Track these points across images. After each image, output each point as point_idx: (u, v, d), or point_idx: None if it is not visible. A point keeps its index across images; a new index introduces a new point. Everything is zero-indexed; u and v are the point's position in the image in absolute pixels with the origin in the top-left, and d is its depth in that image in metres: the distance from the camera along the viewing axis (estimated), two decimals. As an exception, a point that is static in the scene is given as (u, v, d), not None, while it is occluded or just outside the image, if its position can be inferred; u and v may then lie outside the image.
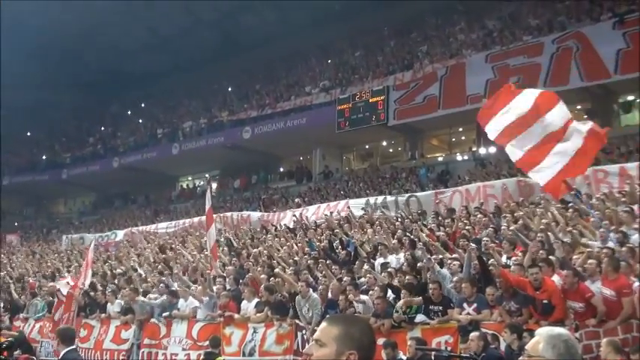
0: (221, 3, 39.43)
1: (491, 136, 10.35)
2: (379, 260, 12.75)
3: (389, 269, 11.80)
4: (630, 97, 23.98)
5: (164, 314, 13.18)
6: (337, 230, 16.18)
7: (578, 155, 9.48)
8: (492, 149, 25.43)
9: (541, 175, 9.96)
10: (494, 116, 10.35)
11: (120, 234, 27.61)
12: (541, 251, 10.10)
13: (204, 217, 24.19)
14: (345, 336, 2.59)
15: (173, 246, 19.44)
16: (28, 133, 50.08)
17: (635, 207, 11.58)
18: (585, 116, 24.94)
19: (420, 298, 10.11)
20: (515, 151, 10.06)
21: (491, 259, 10.35)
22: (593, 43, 21.42)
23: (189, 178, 40.65)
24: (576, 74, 21.45)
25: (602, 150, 18.14)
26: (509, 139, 10.04)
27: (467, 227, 13.32)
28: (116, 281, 15.79)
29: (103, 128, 45.84)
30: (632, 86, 21.82)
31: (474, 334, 8.57)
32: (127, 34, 42.50)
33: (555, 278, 9.07)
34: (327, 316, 4.59)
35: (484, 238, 11.62)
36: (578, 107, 25.30)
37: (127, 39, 42.87)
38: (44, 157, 44.87)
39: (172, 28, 42.22)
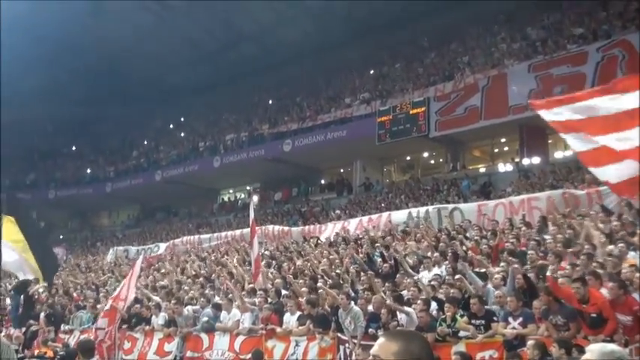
0: (261, 16, 39.85)
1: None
2: (423, 273, 12.66)
3: (432, 282, 11.71)
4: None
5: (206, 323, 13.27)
6: (378, 244, 16.12)
7: None
8: (536, 160, 25.18)
9: (613, 173, 9.83)
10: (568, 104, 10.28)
11: (162, 247, 27.94)
12: (591, 264, 9.92)
13: (245, 230, 24.56)
14: (405, 352, 2.58)
15: (215, 258, 19.58)
16: (73, 148, 51.15)
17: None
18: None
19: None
20: (579, 143, 9.93)
21: (548, 268, 10.18)
22: (639, 50, 21.03)
23: (231, 191, 40.98)
24: (623, 83, 21.04)
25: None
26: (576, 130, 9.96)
27: (511, 240, 13.15)
28: (159, 294, 15.96)
29: (146, 142, 46.54)
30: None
31: (530, 343, 8.43)
32: (170, 48, 43.25)
33: (603, 291, 8.89)
34: (385, 331, 4.57)
35: (529, 251, 11.45)
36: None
37: (169, 53, 43.63)
38: (89, 171, 45.71)
39: (213, 42, 42.77)
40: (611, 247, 10.74)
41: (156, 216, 42.18)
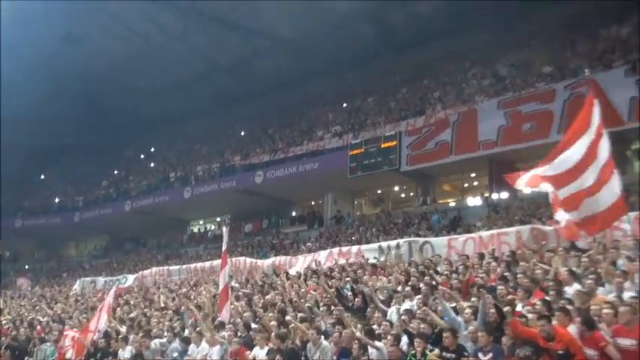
0: (236, 48, 40.02)
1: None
2: (394, 308, 12.61)
3: (403, 316, 11.66)
4: (643, 144, 23.94)
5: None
6: (348, 278, 16.06)
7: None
8: (505, 195, 25.42)
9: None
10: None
11: (130, 278, 27.58)
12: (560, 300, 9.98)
13: (216, 262, 24.36)
14: None
15: (185, 291, 19.33)
16: (42, 176, 50.51)
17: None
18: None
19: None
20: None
21: (506, 307, 10.21)
22: (605, 90, 21.36)
23: (201, 222, 40.70)
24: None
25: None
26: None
27: (481, 275, 13.18)
28: (126, 327, 15.66)
29: (116, 172, 46.17)
30: (645, 133, 21.84)
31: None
32: (144, 77, 43.22)
33: (572, 327, 8.93)
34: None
35: (499, 287, 11.49)
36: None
37: (143, 83, 43.61)
38: (57, 200, 45.12)
39: (187, 73, 42.85)
40: (576, 284, 10.86)
41: (124, 247, 41.68)
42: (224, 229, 34.42)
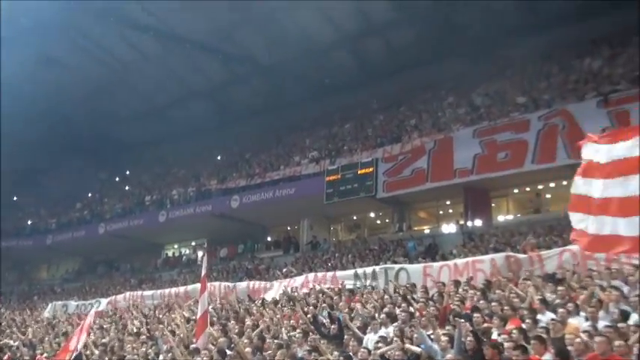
0: (213, 73, 40.10)
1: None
2: (369, 335, 12.56)
3: (379, 344, 11.62)
4: (616, 174, 24.24)
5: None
6: (325, 305, 15.99)
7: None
8: (480, 222, 25.61)
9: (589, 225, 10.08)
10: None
11: (103, 302, 27.16)
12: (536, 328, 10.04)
13: (190, 287, 24.17)
14: None
15: (159, 315, 19.09)
16: (15, 198, 49.82)
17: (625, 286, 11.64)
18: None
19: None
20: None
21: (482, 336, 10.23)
22: (578, 120, 21.78)
23: (175, 247, 40.34)
24: (563, 152, 21.69)
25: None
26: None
27: (456, 302, 13.21)
28: (99, 352, 15.40)
29: (90, 194, 45.74)
30: (617, 163, 22.13)
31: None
32: (120, 100, 43.15)
33: (548, 356, 8.99)
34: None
35: (475, 314, 11.52)
36: (564, 183, 25.55)
37: (120, 106, 43.53)
38: (29, 222, 44.49)
39: (164, 97, 42.85)
40: (549, 312, 10.95)
41: (97, 270, 41.11)
42: (199, 253, 34.47)
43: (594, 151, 10.95)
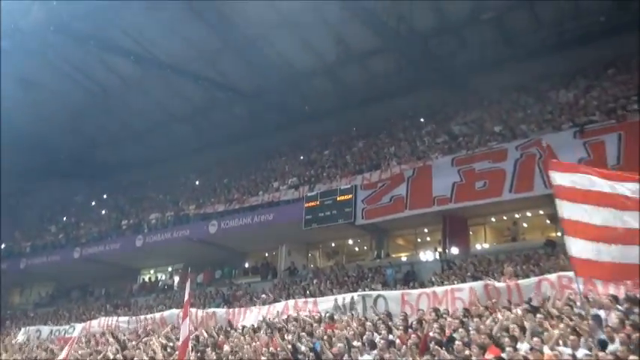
0: (193, 98, 40.13)
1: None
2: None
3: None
4: (592, 205, 24.49)
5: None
6: (303, 333, 15.94)
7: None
8: (458, 250, 25.73)
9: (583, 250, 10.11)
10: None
11: (78, 327, 26.71)
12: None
13: (166, 313, 23.90)
14: None
15: (136, 342, 18.85)
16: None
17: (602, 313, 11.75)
18: (548, 221, 25.59)
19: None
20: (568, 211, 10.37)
21: None
22: (555, 151, 21.99)
23: (152, 272, 39.94)
24: (540, 181, 21.89)
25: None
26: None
27: (437, 330, 13.23)
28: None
29: (65, 218, 45.24)
30: (593, 194, 22.39)
31: None
32: (98, 124, 43.01)
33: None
34: None
35: (457, 342, 11.56)
36: (541, 212, 25.92)
37: (98, 129, 43.36)
38: (3, 246, 43.84)
39: (143, 122, 42.71)
40: (527, 342, 11.03)
41: (71, 295, 40.51)
42: (176, 278, 34.14)
43: (566, 178, 11.06)
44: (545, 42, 29.38)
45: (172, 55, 35.65)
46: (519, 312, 13.15)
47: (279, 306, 21.46)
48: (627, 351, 9.40)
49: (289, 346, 14.44)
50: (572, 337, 10.48)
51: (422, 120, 32.89)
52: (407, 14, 30.11)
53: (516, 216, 26.56)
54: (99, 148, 45.20)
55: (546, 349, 10.52)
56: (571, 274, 15.01)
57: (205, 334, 18.93)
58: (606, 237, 10.10)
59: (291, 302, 21.30)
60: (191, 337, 18.39)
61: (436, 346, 11.43)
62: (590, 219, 10.38)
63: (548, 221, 25.62)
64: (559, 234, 23.92)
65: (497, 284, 16.63)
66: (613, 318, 11.18)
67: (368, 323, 15.27)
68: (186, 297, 15.11)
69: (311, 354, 13.62)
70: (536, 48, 29.50)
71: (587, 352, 9.85)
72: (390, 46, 32.59)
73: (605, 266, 10.17)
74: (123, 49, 34.76)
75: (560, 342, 10.82)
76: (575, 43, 28.94)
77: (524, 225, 26.96)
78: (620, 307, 11.65)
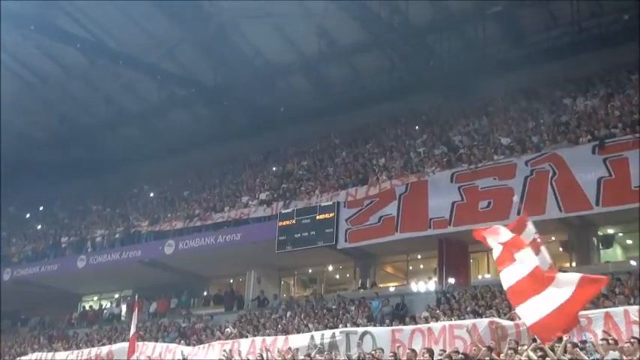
0: (147, 94, 39.97)
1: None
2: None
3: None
4: (610, 231, 24.77)
5: None
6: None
7: (569, 304, 11.15)
8: (453, 281, 25.78)
9: (528, 314, 11.57)
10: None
11: (5, 365, 26.46)
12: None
13: (114, 346, 23.68)
14: None
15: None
16: None
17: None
18: (561, 249, 25.75)
19: None
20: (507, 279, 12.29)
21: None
22: (571, 168, 22.17)
23: (95, 299, 39.64)
24: (554, 203, 22.05)
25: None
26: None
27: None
28: None
29: (-7, 232, 44.76)
30: (613, 218, 22.63)
31: None
32: (36, 122, 42.64)
33: None
34: None
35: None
36: (552, 238, 26.05)
37: (36, 128, 42.96)
38: None
39: (90, 119, 42.51)
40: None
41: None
42: (123, 307, 33.86)
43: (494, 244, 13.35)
44: (560, 42, 29.68)
45: (125, 44, 35.63)
46: (531, 354, 13.21)
47: (245, 343, 21.44)
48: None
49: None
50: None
51: (416, 128, 32.90)
52: (402, 6, 30.39)
53: (525, 243, 26.64)
54: (34, 149, 44.72)
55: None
56: (590, 313, 15.37)
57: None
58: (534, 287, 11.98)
59: (258, 339, 21.29)
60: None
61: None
62: (520, 274, 12.27)
63: (561, 249, 25.79)
64: (573, 264, 24.29)
65: (504, 322, 16.71)
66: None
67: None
68: (133, 329, 14.98)
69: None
70: (550, 48, 29.80)
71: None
72: (381, 42, 32.80)
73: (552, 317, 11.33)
74: (67, 34, 34.49)
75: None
76: (595, 43, 29.23)
77: (534, 254, 27.06)
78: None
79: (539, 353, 13.05)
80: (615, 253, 24.50)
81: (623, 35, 28.33)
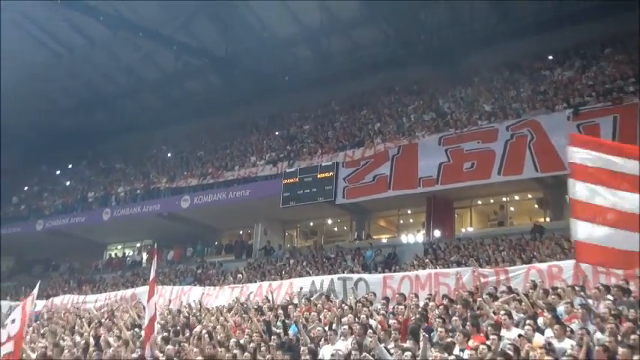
0: (165, 65, 39.77)
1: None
2: (326, 347, 12.63)
3: (336, 358, 11.71)
4: (582, 189, 24.77)
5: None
6: (280, 311, 16.07)
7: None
8: (439, 234, 25.97)
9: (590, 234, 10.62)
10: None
11: (40, 304, 26.58)
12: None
13: (137, 290, 23.90)
14: None
15: (103, 321, 18.76)
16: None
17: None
18: (536, 205, 25.88)
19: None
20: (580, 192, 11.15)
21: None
22: (547, 133, 22.24)
23: (119, 247, 39.87)
24: (531, 164, 22.16)
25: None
26: None
27: (418, 316, 13.37)
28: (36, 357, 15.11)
29: (27, 188, 44.83)
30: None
31: None
32: (64, 89, 42.43)
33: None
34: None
35: (439, 329, 11.74)
36: (529, 196, 26.19)
37: (63, 95, 42.80)
38: (-40, 216, 43.38)
39: (112, 88, 42.43)
40: (515, 329, 11.24)
41: (33, 269, 40.35)
42: (144, 255, 34.01)
43: (582, 156, 11.45)
44: (541, 17, 29.40)
45: (144, 18, 35.23)
46: (507, 299, 13.31)
47: (253, 286, 21.58)
48: (615, 342, 9.60)
49: (264, 328, 14.51)
50: (557, 327, 10.66)
51: (408, 96, 32.82)
52: (397, -19, 30.02)
53: (504, 199, 26.82)
54: (62, 115, 44.62)
55: (537, 338, 10.69)
56: (561, 263, 15.42)
57: (175, 314, 18.97)
58: (614, 221, 10.45)
59: (265, 284, 21.43)
60: (162, 314, 18.46)
61: (422, 332, 11.52)
62: (601, 201, 10.73)
63: (536, 206, 25.92)
64: (547, 219, 24.38)
65: (485, 270, 16.85)
66: (602, 308, 11.42)
67: (347, 307, 15.32)
68: (152, 275, 15.04)
69: (286, 337, 13.73)
70: (532, 23, 29.53)
71: (573, 342, 10.06)
72: (376, 16, 32.50)
73: (608, 252, 10.51)
74: (91, 8, 34.19)
75: (547, 331, 11.03)
76: (573, 19, 28.96)
77: (512, 209, 27.24)
78: (609, 297, 11.89)
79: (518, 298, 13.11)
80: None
81: (599, 11, 28.07)
